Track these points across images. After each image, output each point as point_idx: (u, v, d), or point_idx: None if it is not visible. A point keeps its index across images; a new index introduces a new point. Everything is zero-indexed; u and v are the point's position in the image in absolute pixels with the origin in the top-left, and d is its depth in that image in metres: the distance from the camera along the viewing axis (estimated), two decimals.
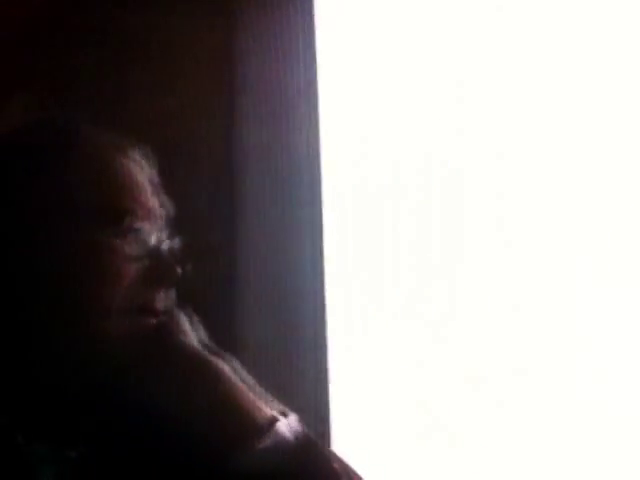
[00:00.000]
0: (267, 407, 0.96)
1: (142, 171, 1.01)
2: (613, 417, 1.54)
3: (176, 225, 1.02)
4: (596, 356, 1.55)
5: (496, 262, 1.63)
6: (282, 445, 0.94)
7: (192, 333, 0.98)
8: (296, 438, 0.95)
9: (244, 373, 0.98)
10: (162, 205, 1.01)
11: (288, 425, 0.96)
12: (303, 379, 1.39)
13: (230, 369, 0.97)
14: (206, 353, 0.97)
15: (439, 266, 1.66)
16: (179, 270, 0.98)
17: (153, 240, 0.97)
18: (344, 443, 1.44)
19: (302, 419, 0.99)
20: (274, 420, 0.95)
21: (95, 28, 1.69)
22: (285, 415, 0.96)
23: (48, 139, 0.99)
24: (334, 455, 0.98)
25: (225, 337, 1.02)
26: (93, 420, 0.98)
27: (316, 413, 1.35)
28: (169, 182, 1.03)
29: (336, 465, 0.96)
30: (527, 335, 1.59)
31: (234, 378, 0.96)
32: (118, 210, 0.95)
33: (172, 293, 0.99)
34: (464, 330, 1.63)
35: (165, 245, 0.99)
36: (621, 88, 1.57)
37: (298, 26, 1.54)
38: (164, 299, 0.97)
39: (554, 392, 1.58)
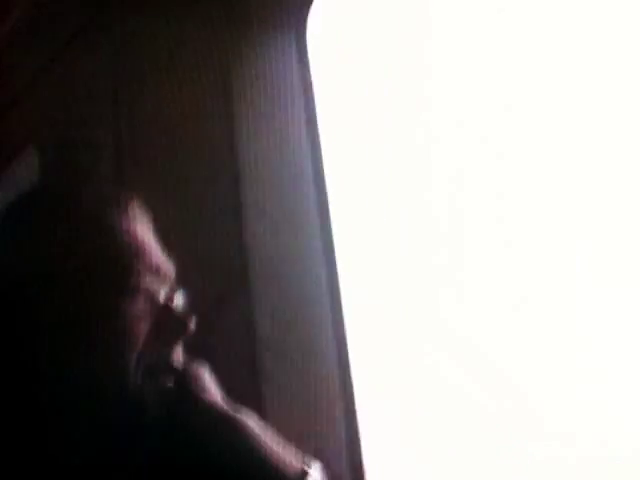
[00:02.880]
0: (294, 460, 0.94)
1: (144, 227, 0.98)
2: (614, 417, 1.51)
3: (184, 277, 1.00)
4: (596, 357, 1.52)
5: (496, 262, 1.61)
6: None
7: (212, 387, 0.96)
8: None
9: (266, 426, 0.96)
10: (167, 260, 0.98)
11: (317, 477, 0.94)
12: (333, 425, 1.36)
13: (252, 423, 0.94)
14: (228, 409, 0.95)
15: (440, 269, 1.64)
16: (191, 323, 0.96)
17: (162, 296, 0.95)
18: None
19: (334, 466, 0.97)
20: (303, 475, 0.93)
21: None
22: (309, 465, 0.94)
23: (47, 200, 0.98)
24: None
25: (246, 388, 1.00)
26: None
27: (348, 460, 1.31)
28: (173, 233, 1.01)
29: None
30: (527, 335, 1.57)
31: (258, 433, 0.94)
32: (123, 271, 0.93)
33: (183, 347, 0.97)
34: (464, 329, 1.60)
35: (174, 299, 0.97)
36: (623, 89, 1.56)
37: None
38: (179, 354, 0.95)
39: (554, 394, 1.54)
